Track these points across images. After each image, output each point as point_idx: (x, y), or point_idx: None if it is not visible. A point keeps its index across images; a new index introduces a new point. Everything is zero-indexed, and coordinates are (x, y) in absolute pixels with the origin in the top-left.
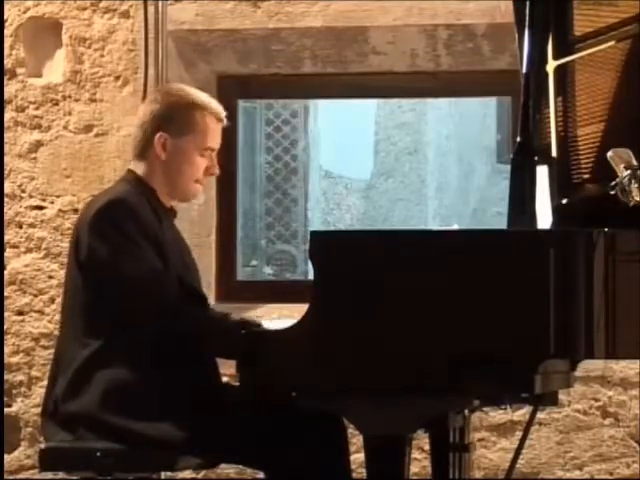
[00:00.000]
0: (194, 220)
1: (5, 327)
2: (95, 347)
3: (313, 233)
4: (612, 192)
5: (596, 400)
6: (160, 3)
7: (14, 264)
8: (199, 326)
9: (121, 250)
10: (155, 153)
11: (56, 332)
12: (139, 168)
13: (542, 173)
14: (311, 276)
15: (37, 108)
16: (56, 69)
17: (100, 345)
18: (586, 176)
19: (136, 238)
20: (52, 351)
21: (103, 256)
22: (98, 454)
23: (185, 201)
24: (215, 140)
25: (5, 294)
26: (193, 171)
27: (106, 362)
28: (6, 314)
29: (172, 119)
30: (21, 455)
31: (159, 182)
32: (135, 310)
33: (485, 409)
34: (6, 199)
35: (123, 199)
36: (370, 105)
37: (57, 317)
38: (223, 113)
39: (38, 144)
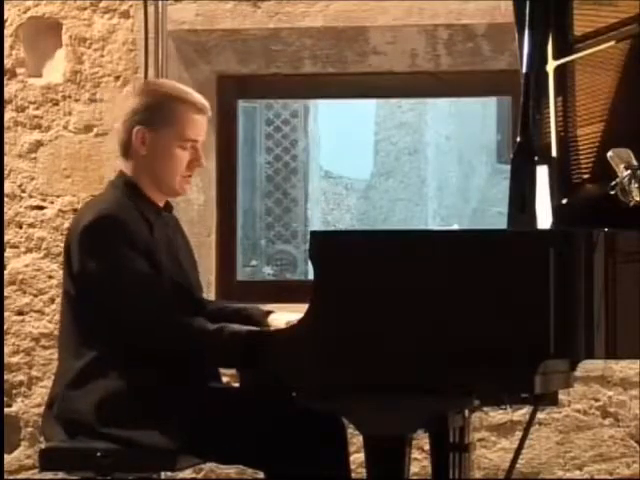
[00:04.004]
0: (194, 220)
1: (5, 327)
2: (90, 357)
3: (313, 233)
4: (612, 192)
5: (596, 400)
6: (160, 3)
7: (14, 264)
8: (195, 337)
9: (111, 265)
10: (135, 149)
11: (56, 332)
12: (127, 168)
13: (542, 173)
14: (311, 276)
15: (37, 108)
16: (56, 69)
17: (94, 356)
18: (586, 176)
19: (125, 252)
20: (52, 351)
21: (94, 271)
22: (98, 454)
23: (173, 197)
24: (196, 131)
25: (5, 294)
26: (175, 165)
27: (101, 372)
28: (6, 314)
29: (149, 112)
30: (21, 455)
31: (145, 179)
32: (128, 322)
33: (485, 409)
34: (6, 199)
35: (110, 213)
36: (370, 105)
37: (57, 317)
38: (204, 103)
39: (38, 144)
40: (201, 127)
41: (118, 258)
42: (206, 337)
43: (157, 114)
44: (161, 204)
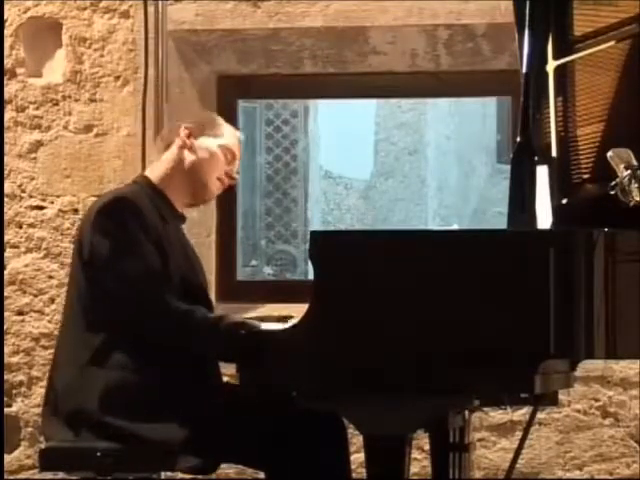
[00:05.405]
0: (194, 220)
1: (5, 327)
2: (96, 346)
3: (313, 233)
4: (612, 192)
5: (596, 400)
6: (160, 3)
7: (14, 264)
8: (196, 326)
9: (122, 247)
10: (179, 145)
11: (56, 332)
12: (155, 172)
13: (542, 173)
14: (311, 276)
15: (37, 108)
16: (56, 69)
17: (100, 344)
18: (586, 176)
19: (137, 235)
20: (52, 351)
21: (104, 252)
22: (98, 454)
23: (203, 200)
24: (234, 143)
25: (5, 294)
26: (218, 164)
27: (106, 362)
28: (6, 314)
29: (198, 123)
30: (21, 455)
31: (179, 182)
32: (133, 307)
33: (485, 409)
34: (6, 199)
35: (126, 197)
36: (370, 105)
37: (57, 317)
38: (238, 132)
39: (38, 144)
40: (238, 147)
41: (130, 240)
42: (208, 326)
43: (204, 123)
44: (179, 211)
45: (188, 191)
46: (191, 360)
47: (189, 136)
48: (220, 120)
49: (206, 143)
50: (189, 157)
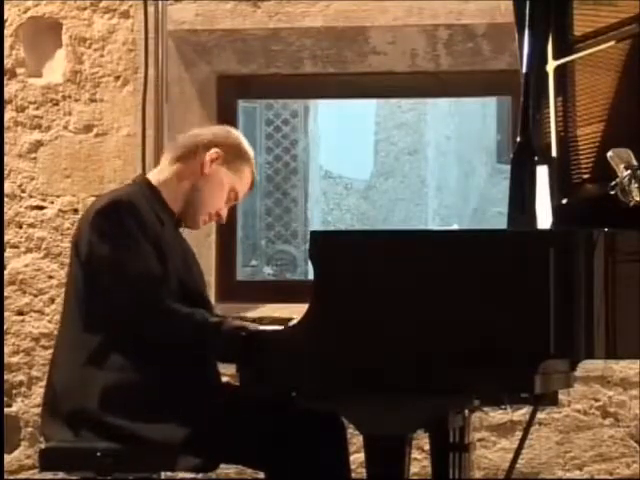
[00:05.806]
0: None
1: (5, 327)
2: (94, 346)
3: (313, 233)
4: (612, 192)
5: (596, 400)
6: (160, 3)
7: (14, 264)
8: (195, 327)
9: (120, 247)
10: (199, 165)
11: (56, 332)
12: (158, 176)
13: (542, 173)
14: (311, 276)
15: (37, 108)
16: (56, 69)
17: (99, 344)
18: (586, 176)
19: (135, 236)
20: (52, 351)
21: (102, 252)
22: (98, 454)
23: (188, 225)
24: (243, 190)
25: (5, 294)
26: (217, 201)
27: (105, 362)
28: (6, 314)
29: (229, 150)
30: (21, 455)
31: (176, 195)
32: (132, 307)
33: (485, 409)
34: (6, 199)
35: (124, 199)
36: (370, 105)
37: (57, 317)
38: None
39: (38, 144)
40: (245, 193)
41: (128, 240)
42: (207, 327)
43: (234, 157)
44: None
45: (179, 207)
46: (191, 360)
47: (214, 161)
48: (251, 160)
49: (222, 177)
50: (199, 180)
